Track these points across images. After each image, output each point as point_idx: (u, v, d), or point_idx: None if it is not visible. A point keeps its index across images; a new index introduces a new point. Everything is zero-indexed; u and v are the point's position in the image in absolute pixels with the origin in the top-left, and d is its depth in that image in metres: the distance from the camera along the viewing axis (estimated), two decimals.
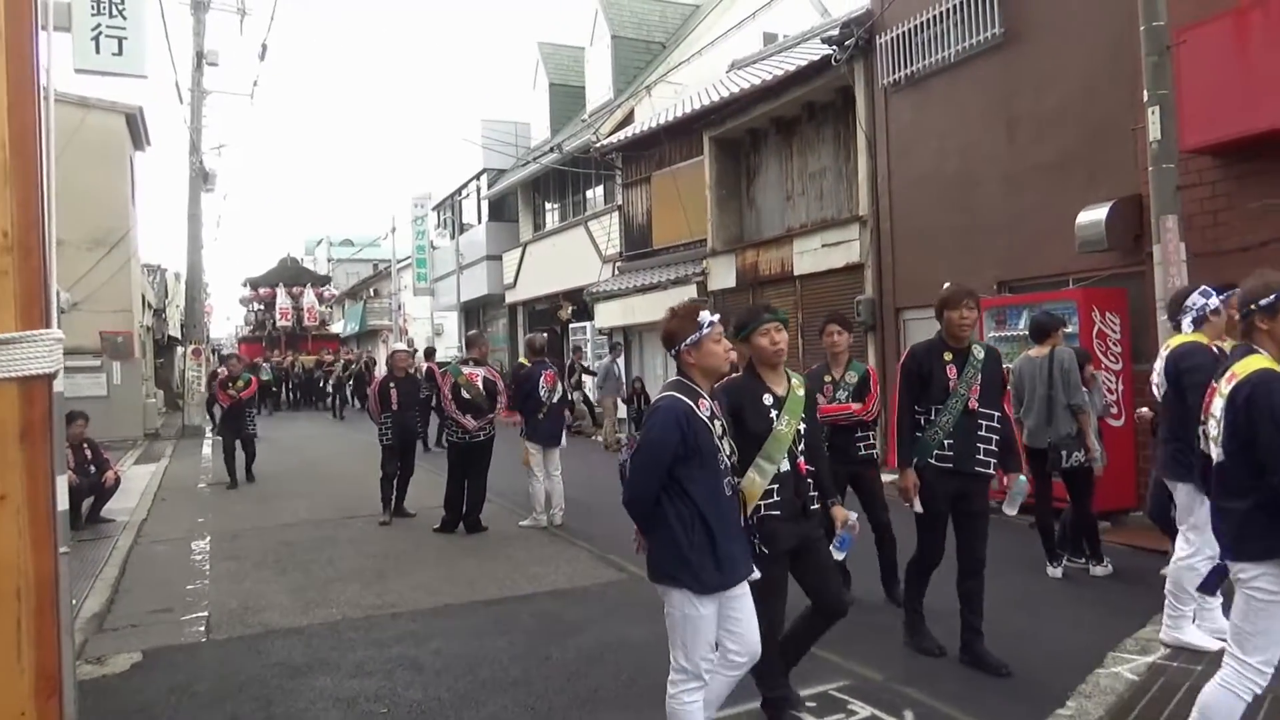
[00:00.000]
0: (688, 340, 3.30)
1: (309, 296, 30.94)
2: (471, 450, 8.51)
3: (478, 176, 25.79)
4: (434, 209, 30.61)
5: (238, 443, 12.05)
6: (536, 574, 6.83)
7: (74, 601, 5.88)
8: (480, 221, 26.27)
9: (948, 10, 10.21)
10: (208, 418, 19.90)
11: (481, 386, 8.55)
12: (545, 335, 10.09)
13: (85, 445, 9.31)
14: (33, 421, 1.72)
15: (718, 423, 3.30)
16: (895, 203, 11.35)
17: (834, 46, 11.81)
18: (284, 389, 30.36)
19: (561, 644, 5.17)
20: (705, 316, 3.31)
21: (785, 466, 3.63)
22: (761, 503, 3.60)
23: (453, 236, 28.16)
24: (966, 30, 9.97)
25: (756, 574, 3.35)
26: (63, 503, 3.84)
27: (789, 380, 3.80)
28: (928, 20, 10.51)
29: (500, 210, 25.42)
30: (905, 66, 10.90)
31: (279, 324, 30.58)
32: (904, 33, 10.87)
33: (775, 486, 3.61)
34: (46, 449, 1.78)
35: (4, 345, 1.63)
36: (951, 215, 10.35)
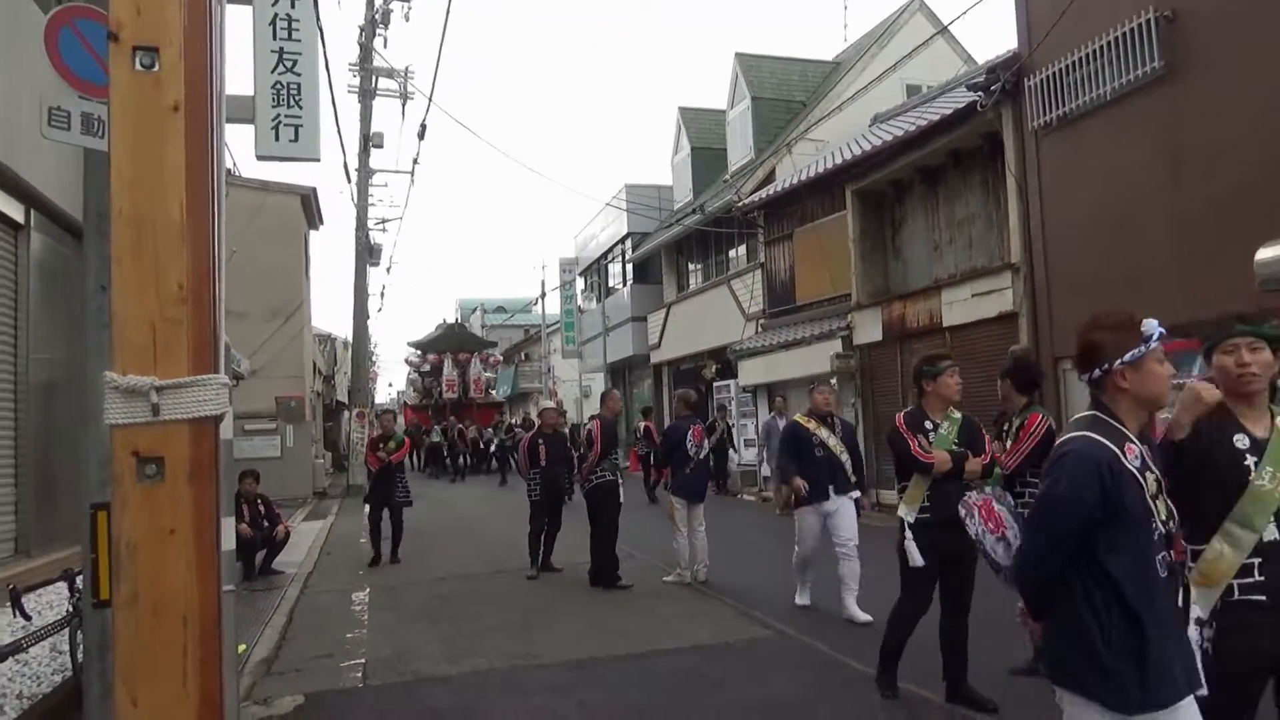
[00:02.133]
0: (1124, 358, 2.42)
1: (475, 367, 30.69)
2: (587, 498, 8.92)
3: (623, 240, 26.43)
4: (581, 273, 31.52)
5: (385, 511, 10.68)
6: (680, 629, 6.76)
7: (243, 647, 6.24)
8: (625, 284, 26.84)
9: (1102, 48, 9.81)
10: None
11: (583, 437, 9.11)
12: (694, 392, 10.16)
13: (259, 501, 9.96)
14: (201, 461, 1.86)
15: (1150, 476, 2.41)
16: (1050, 248, 10.85)
17: (979, 92, 11.54)
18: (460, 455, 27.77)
19: (704, 700, 5.07)
20: (1152, 326, 2.45)
21: (1272, 534, 2.63)
22: (1236, 582, 2.64)
23: (599, 300, 28.86)
24: (1123, 66, 9.54)
25: (1204, 690, 2.39)
26: (228, 543, 4.10)
27: (1273, 418, 2.75)
28: (1080, 59, 10.13)
29: (644, 272, 25.91)
30: (1057, 107, 10.51)
31: (445, 395, 30.12)
32: (1054, 73, 10.50)
33: (1257, 562, 2.63)
34: (212, 488, 1.91)
35: (178, 389, 1.77)
36: (1112, 258, 9.80)
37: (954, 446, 4.74)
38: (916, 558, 4.64)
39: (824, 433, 7.03)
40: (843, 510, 6.97)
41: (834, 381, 6.65)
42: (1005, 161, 11.63)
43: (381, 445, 10.69)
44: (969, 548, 4.41)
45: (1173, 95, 9.14)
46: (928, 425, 4.82)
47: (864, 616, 6.62)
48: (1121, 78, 9.56)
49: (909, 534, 4.68)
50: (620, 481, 8.84)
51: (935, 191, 13.84)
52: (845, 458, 7.07)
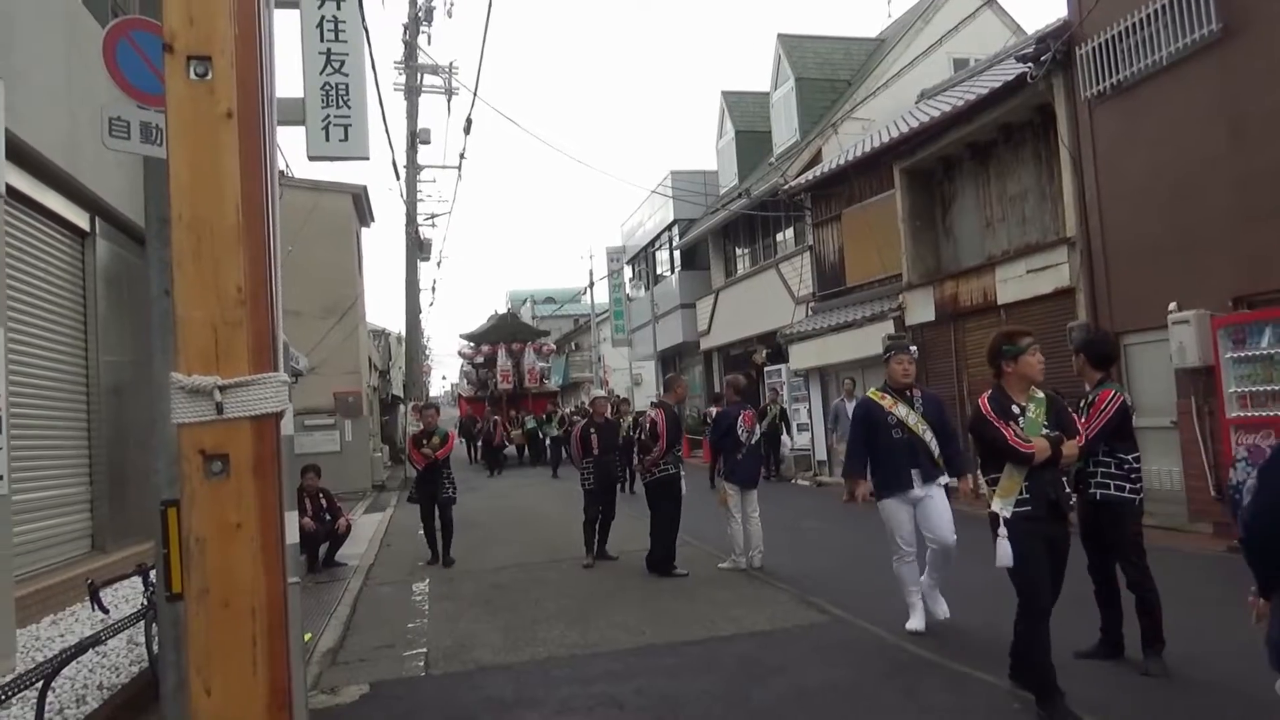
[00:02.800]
0: None
1: (529, 356, 29.55)
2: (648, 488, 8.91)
3: (669, 227, 26.39)
4: (628, 262, 31.55)
5: (435, 509, 10.18)
6: (737, 616, 6.77)
7: (308, 635, 6.40)
8: (673, 271, 26.81)
9: (1155, 12, 9.52)
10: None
11: (646, 427, 8.95)
12: (744, 378, 10.14)
13: (321, 495, 10.19)
14: (263, 457, 1.91)
15: None
16: (1106, 220, 10.58)
17: (1029, 64, 11.27)
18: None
19: (763, 685, 5.08)
20: None
21: None
22: None
23: (647, 288, 28.86)
24: (1178, 30, 9.24)
25: None
26: (292, 537, 4.20)
27: None
28: (1132, 25, 9.83)
29: (692, 259, 25.85)
30: (1110, 76, 10.22)
31: (500, 386, 29.11)
32: (1106, 41, 10.21)
33: None
34: (276, 483, 1.97)
35: (239, 387, 1.82)
36: (1172, 228, 9.53)
37: (1044, 429, 4.35)
38: (1006, 557, 4.23)
39: (902, 410, 5.91)
40: (932, 501, 5.86)
41: (914, 349, 6.16)
42: (1058, 133, 11.35)
43: (425, 441, 10.16)
44: (1067, 534, 4.46)
45: (1231, 58, 8.83)
46: (1014, 409, 4.39)
47: (944, 611, 5.98)
48: (1177, 42, 9.26)
49: (1003, 531, 4.26)
50: (682, 474, 8.76)
51: (986, 167, 13.57)
52: (930, 438, 5.92)
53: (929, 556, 5.97)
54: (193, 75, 1.82)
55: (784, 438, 17.52)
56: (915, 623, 5.87)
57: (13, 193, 6.20)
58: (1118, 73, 10.12)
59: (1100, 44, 10.31)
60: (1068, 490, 4.56)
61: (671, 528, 8.67)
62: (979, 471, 4.60)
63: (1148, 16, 9.63)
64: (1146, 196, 9.92)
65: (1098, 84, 10.40)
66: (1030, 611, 4.28)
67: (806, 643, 5.95)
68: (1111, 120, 10.44)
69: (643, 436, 8.96)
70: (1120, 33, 10.02)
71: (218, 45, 1.83)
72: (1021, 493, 4.28)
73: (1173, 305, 9.22)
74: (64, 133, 7.06)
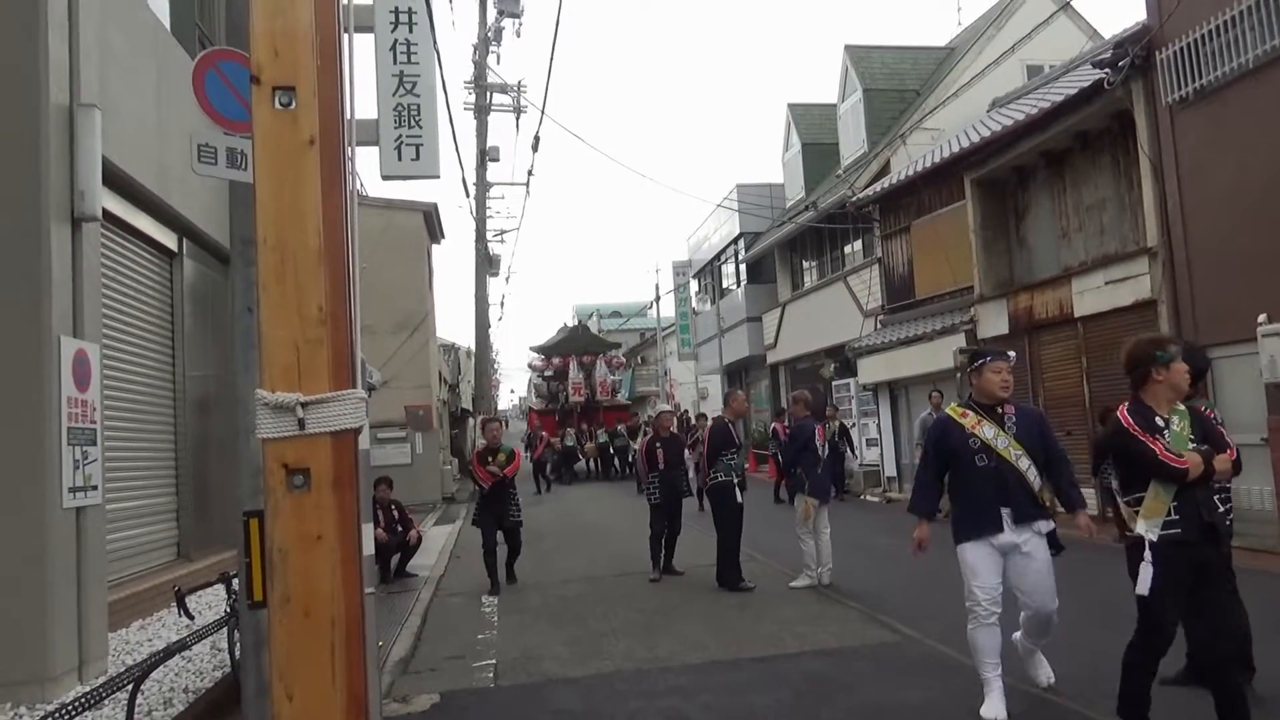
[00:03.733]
0: None
1: (600, 369, 29.04)
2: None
3: (735, 241, 26.34)
4: (694, 275, 31.56)
5: (499, 534, 9.45)
6: (804, 633, 6.70)
7: (380, 644, 6.53)
8: (739, 285, 26.73)
9: (1240, 14, 9.20)
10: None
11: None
12: (809, 392, 10.09)
13: (393, 506, 10.39)
14: (343, 470, 1.98)
15: None
16: (1190, 229, 10.23)
17: (1106, 70, 10.99)
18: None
19: (831, 703, 5.02)
20: None
21: None
22: None
23: (713, 301, 28.82)
24: (1264, 32, 8.92)
25: None
26: (368, 548, 4.31)
27: None
28: (1216, 28, 9.52)
29: (758, 272, 25.74)
30: (1193, 80, 9.91)
31: (571, 398, 28.65)
32: (1188, 44, 9.91)
33: None
34: (354, 496, 2.03)
35: (320, 404, 1.89)
36: (1260, 237, 9.17)
37: (1191, 443, 3.94)
38: (1146, 584, 3.83)
39: (988, 430, 4.58)
40: (1029, 557, 4.54)
41: (1012, 354, 5.12)
42: (1138, 141, 11.03)
43: (491, 458, 9.39)
44: (1224, 556, 4.13)
45: None
46: (1158, 422, 3.98)
47: (1048, 676, 4.99)
48: (1263, 45, 8.94)
49: (1149, 555, 3.85)
50: (735, 482, 8.73)
51: (1061, 176, 13.25)
52: (1028, 466, 4.59)
53: (1023, 621, 4.86)
54: (277, 105, 1.90)
55: (847, 454, 17.10)
56: (993, 709, 4.57)
57: (108, 216, 6.51)
58: (1201, 77, 9.81)
59: (1182, 48, 10.00)
60: (1221, 510, 4.23)
61: (730, 536, 8.66)
62: (1119, 494, 4.16)
63: (1232, 19, 9.32)
64: (1232, 204, 9.57)
65: (1180, 89, 10.09)
66: (1148, 644, 3.94)
67: (875, 661, 5.86)
68: (1195, 126, 10.11)
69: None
70: (1203, 36, 9.71)
71: (301, 76, 1.91)
72: (1170, 513, 3.88)
73: (1262, 317, 8.86)
74: (154, 158, 7.39)
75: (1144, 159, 10.91)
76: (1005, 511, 4.54)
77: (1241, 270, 9.42)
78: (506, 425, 11.27)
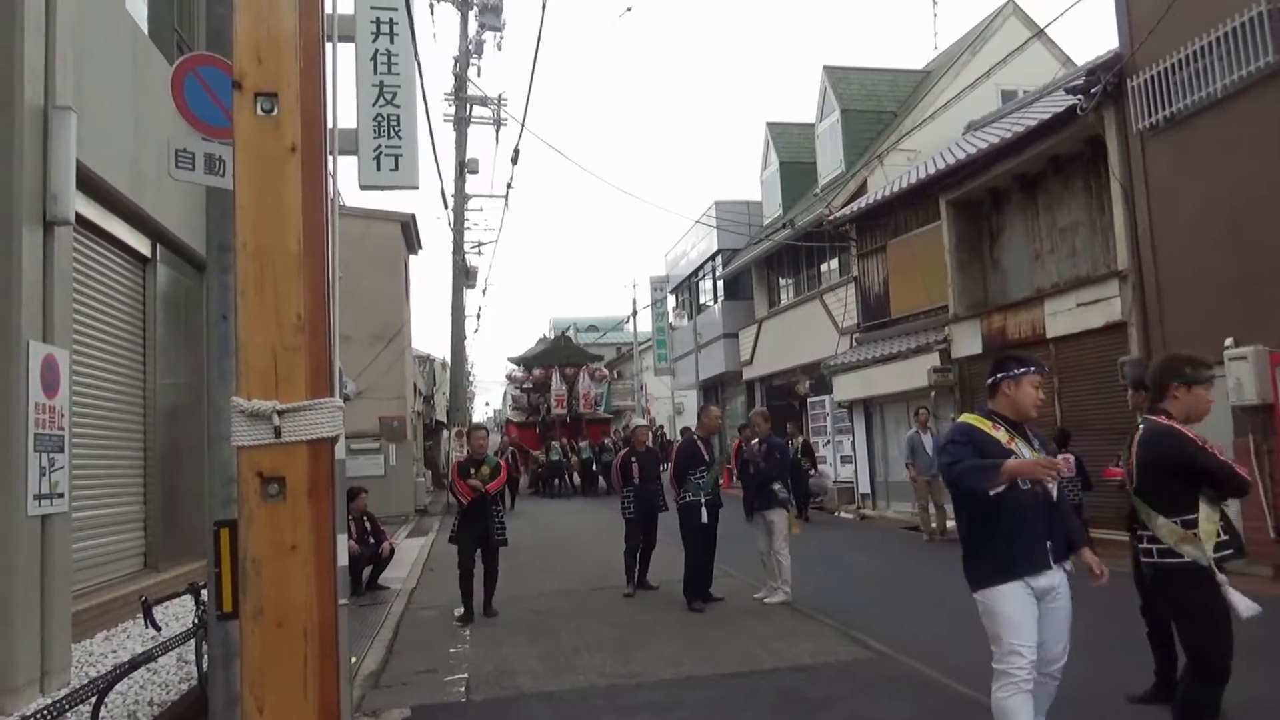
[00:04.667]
0: None
1: (584, 381, 28.50)
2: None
3: (713, 257, 26.45)
4: (672, 291, 31.64)
5: (479, 553, 8.57)
6: (778, 649, 6.70)
7: (354, 659, 6.45)
8: (716, 301, 26.83)
9: (1210, 44, 9.39)
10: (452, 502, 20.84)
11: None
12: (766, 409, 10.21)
13: (366, 518, 10.30)
14: (318, 480, 1.96)
15: None
16: (1160, 253, 10.40)
17: (1079, 96, 11.17)
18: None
19: None
20: None
21: None
22: None
23: (690, 317, 28.90)
24: (1233, 62, 9.10)
25: None
26: (342, 559, 4.27)
27: None
28: (1186, 57, 9.71)
29: (735, 289, 25.86)
30: (1163, 108, 10.09)
31: (554, 410, 27.92)
32: (1159, 73, 10.10)
33: None
34: (329, 506, 2.01)
35: (297, 412, 1.87)
36: (1228, 262, 9.33)
37: None
38: (1247, 604, 3.53)
39: (1024, 449, 3.74)
40: (1059, 604, 3.71)
41: (1045, 367, 4.62)
42: (1109, 166, 11.22)
43: (474, 471, 8.52)
44: None
45: None
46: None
47: None
48: (1232, 74, 9.13)
49: (1223, 579, 3.57)
50: (701, 501, 8.58)
51: (1034, 199, 13.44)
52: (1055, 493, 3.81)
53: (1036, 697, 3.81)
54: (259, 111, 1.89)
55: (812, 471, 17.06)
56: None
57: (81, 220, 6.43)
58: (1171, 105, 9.99)
59: (1153, 76, 10.19)
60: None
61: (694, 553, 8.62)
62: (1162, 515, 3.74)
63: (1202, 49, 9.51)
64: (1201, 230, 9.75)
65: (1150, 116, 10.28)
66: (1214, 674, 3.64)
67: (850, 678, 5.87)
68: (1165, 152, 10.30)
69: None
70: (1173, 65, 9.90)
71: (284, 83, 1.90)
72: (1219, 534, 3.64)
73: (1229, 341, 9.01)
74: (129, 163, 7.32)
75: (1115, 184, 11.09)
76: (1049, 545, 3.68)
77: (1209, 295, 9.58)
78: (489, 436, 10.07)
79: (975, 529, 3.74)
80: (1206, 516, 3.62)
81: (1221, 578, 3.58)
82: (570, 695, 5.78)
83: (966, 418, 3.94)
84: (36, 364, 5.51)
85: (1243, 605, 3.53)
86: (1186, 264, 9.98)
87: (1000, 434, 3.75)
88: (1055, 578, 3.65)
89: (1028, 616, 3.58)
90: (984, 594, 3.66)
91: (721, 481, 9.17)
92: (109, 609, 7.01)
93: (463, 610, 8.47)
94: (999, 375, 3.87)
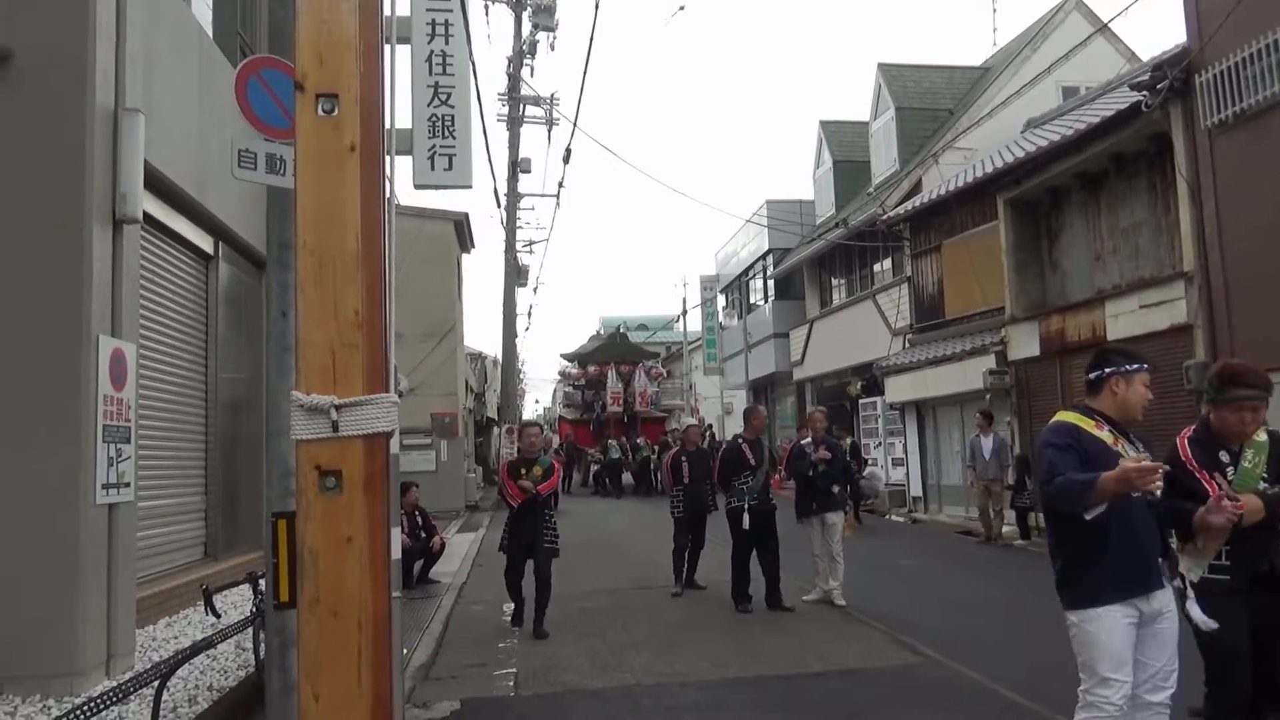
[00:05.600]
0: None
1: (640, 378, 27.77)
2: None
3: (764, 256, 26.32)
4: (722, 290, 31.55)
5: (529, 563, 7.92)
6: (826, 652, 6.65)
7: (405, 651, 6.55)
8: (767, 300, 26.68)
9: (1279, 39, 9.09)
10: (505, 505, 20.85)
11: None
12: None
13: (417, 513, 10.45)
14: (374, 474, 2.00)
15: None
16: (1228, 254, 10.09)
17: (1144, 92, 10.89)
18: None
19: None
20: None
21: None
22: None
23: (740, 316, 28.79)
24: None
25: None
26: (395, 552, 4.35)
27: None
28: (1257, 52, 9.41)
29: (786, 288, 25.69)
30: (1232, 104, 9.79)
31: (609, 408, 27.23)
32: (1228, 68, 9.80)
33: None
34: (384, 500, 2.05)
35: (355, 407, 1.91)
36: None
37: (1263, 482, 3.47)
38: (1204, 618, 3.40)
39: (1132, 453, 3.33)
40: (1167, 616, 3.31)
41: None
42: (1175, 164, 10.91)
43: (524, 471, 7.87)
44: None
45: None
46: (1223, 457, 3.55)
47: None
48: None
49: (1191, 593, 3.48)
50: (744, 507, 8.32)
51: (1096, 198, 13.13)
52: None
53: None
54: (320, 112, 1.93)
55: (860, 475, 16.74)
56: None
57: (148, 218, 6.63)
58: (1241, 101, 9.69)
59: (1222, 71, 9.90)
60: None
61: (734, 561, 8.49)
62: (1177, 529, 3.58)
63: (1273, 43, 9.21)
64: (1272, 231, 9.43)
65: (1219, 113, 9.98)
66: (1223, 698, 3.50)
67: (898, 683, 5.80)
68: (1234, 150, 9.99)
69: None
70: (1244, 60, 9.60)
71: (344, 84, 1.94)
72: (1221, 558, 3.48)
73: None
74: (193, 163, 7.52)
75: (1181, 182, 10.79)
76: (1162, 564, 3.33)
77: (1278, 296, 9.26)
78: (542, 433, 9.34)
79: (1077, 540, 3.28)
80: (1208, 535, 3.45)
81: (1190, 592, 3.47)
82: (616, 693, 5.80)
83: (1067, 416, 3.46)
84: (105, 357, 5.69)
85: (1198, 618, 3.40)
86: (1256, 266, 9.67)
87: (1105, 434, 3.35)
88: (1166, 597, 3.29)
89: (1127, 646, 3.21)
90: (1081, 615, 3.25)
91: (773, 482, 8.96)
92: (171, 596, 7.22)
93: (512, 617, 8.08)
94: (1107, 371, 3.43)
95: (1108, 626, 3.18)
